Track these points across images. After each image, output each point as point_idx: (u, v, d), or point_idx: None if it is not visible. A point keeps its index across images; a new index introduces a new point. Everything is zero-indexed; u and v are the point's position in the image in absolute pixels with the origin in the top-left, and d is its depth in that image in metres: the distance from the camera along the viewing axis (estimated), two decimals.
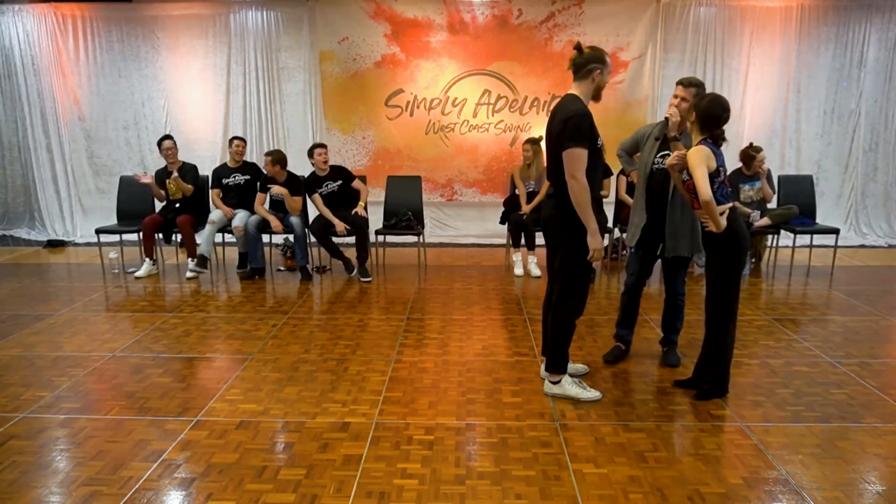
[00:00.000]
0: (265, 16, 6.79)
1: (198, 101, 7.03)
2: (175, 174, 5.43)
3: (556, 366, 3.00)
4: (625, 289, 3.49)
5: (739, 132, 6.89)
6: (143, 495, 2.24)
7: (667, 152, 3.17)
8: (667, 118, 3.10)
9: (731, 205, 2.80)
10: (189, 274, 5.38)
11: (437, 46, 6.73)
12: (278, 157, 5.38)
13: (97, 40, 6.91)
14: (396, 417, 2.82)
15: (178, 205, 5.54)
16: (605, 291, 5.00)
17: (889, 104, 6.91)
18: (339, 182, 5.46)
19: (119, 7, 6.81)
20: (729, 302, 2.90)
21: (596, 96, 2.86)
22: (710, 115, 2.76)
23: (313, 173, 5.46)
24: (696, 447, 2.57)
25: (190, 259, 5.44)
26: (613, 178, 5.65)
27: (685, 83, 3.11)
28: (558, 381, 3.01)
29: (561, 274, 2.91)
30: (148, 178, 5.53)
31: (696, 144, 2.77)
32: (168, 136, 5.58)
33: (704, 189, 2.67)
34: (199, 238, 5.47)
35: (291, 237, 5.87)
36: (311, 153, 5.42)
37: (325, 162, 5.42)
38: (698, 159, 2.69)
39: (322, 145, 5.47)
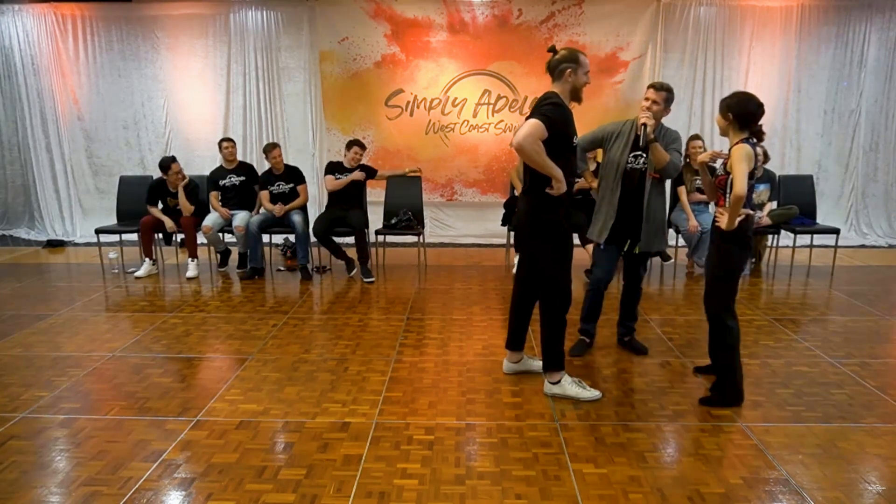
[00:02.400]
0: (265, 16, 6.79)
1: (198, 101, 7.02)
2: (181, 192, 5.43)
3: (553, 364, 3.01)
4: (592, 286, 3.55)
5: None
6: (143, 495, 2.24)
7: (639, 153, 3.26)
8: (644, 124, 3.14)
9: (749, 212, 2.82)
10: (190, 273, 5.38)
11: (437, 46, 6.73)
12: (277, 145, 5.51)
13: (97, 40, 6.91)
14: (396, 417, 2.82)
15: (177, 206, 5.53)
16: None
17: (889, 104, 6.91)
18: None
19: (119, 7, 6.80)
20: (730, 297, 2.92)
21: (575, 97, 2.87)
22: (745, 112, 2.77)
23: (340, 162, 5.57)
24: (696, 447, 2.57)
25: (190, 259, 5.44)
26: None
27: (657, 87, 3.19)
28: (558, 381, 3.02)
29: (543, 273, 2.92)
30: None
31: (737, 143, 2.77)
32: (174, 159, 5.46)
33: (741, 184, 2.68)
34: (205, 239, 5.51)
35: (292, 237, 5.89)
36: (348, 146, 5.55)
37: (357, 161, 5.53)
38: (740, 156, 2.71)
39: (361, 145, 5.55)
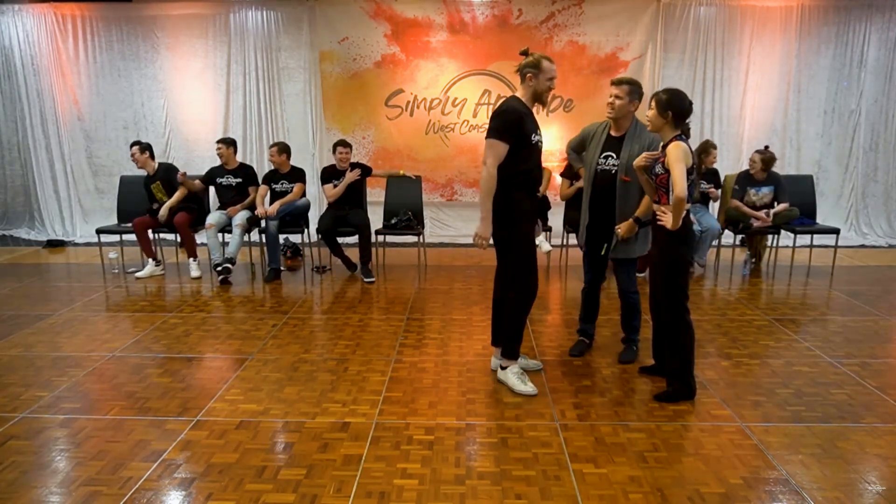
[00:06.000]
0: (265, 16, 6.79)
1: (198, 101, 7.02)
2: (160, 188, 5.41)
3: (509, 354, 3.11)
4: (583, 287, 3.60)
5: (739, 132, 6.90)
6: (143, 495, 2.24)
7: (609, 153, 3.27)
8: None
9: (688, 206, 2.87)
10: (193, 273, 5.36)
11: (437, 46, 6.73)
12: (285, 146, 5.49)
13: (97, 40, 6.91)
14: (396, 417, 2.82)
15: (163, 202, 5.48)
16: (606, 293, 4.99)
17: (889, 104, 6.91)
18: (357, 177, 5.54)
19: (119, 7, 6.81)
20: (682, 292, 2.92)
21: (538, 100, 2.96)
22: (682, 108, 2.82)
23: (333, 165, 5.55)
24: (696, 447, 2.57)
25: (191, 259, 5.43)
26: (557, 179, 5.75)
27: (615, 82, 3.22)
28: (507, 368, 3.12)
29: (510, 264, 3.02)
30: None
31: (672, 141, 2.80)
32: (134, 143, 5.44)
33: (682, 186, 2.71)
34: (204, 240, 5.46)
35: (292, 237, 5.89)
36: (333, 149, 5.56)
37: (346, 160, 5.50)
38: (678, 156, 2.75)
39: (345, 144, 5.52)
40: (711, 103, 6.82)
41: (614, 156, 3.25)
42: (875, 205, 7.13)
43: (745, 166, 5.56)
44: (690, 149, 2.82)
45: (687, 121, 2.88)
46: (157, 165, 5.52)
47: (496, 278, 3.24)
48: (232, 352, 3.66)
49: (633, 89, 3.17)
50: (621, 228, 3.22)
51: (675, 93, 2.84)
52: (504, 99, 2.98)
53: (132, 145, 5.45)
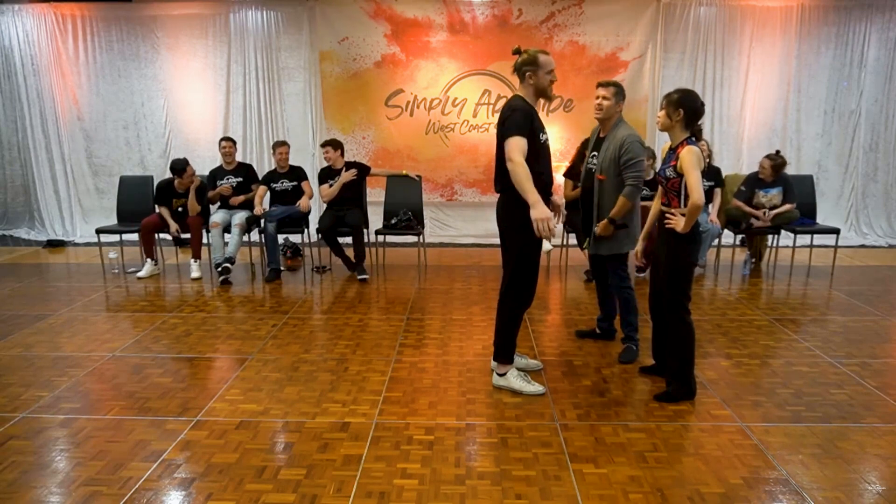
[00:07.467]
0: (265, 16, 6.79)
1: (198, 101, 7.02)
2: (192, 192, 5.38)
3: (504, 355, 3.10)
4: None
5: (739, 132, 6.89)
6: (143, 495, 2.24)
7: (595, 153, 3.39)
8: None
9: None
10: (194, 274, 5.36)
11: (437, 46, 6.73)
12: (285, 143, 5.59)
13: (97, 40, 6.91)
14: (396, 417, 2.82)
15: (180, 209, 5.52)
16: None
17: (889, 104, 6.91)
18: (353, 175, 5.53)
19: (119, 7, 6.80)
20: (684, 292, 2.92)
21: (542, 96, 2.94)
22: (693, 108, 2.78)
23: (329, 166, 5.56)
24: (696, 447, 2.57)
25: (193, 260, 5.42)
26: (558, 179, 5.76)
27: (603, 84, 3.30)
28: (504, 374, 3.10)
29: (508, 265, 3.00)
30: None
31: (683, 145, 2.78)
32: (188, 162, 5.41)
33: (699, 193, 2.70)
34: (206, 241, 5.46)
35: (292, 237, 5.89)
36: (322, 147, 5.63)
37: (330, 160, 5.50)
38: (693, 162, 2.73)
39: (329, 143, 5.52)
40: (711, 103, 6.81)
41: (598, 154, 3.37)
42: (875, 205, 7.13)
43: (745, 166, 5.57)
44: (707, 151, 2.82)
45: (700, 122, 2.85)
46: (200, 181, 5.49)
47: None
48: (232, 352, 3.66)
49: (619, 90, 3.30)
50: (598, 227, 3.34)
51: (686, 92, 2.82)
52: (508, 99, 2.95)
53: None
